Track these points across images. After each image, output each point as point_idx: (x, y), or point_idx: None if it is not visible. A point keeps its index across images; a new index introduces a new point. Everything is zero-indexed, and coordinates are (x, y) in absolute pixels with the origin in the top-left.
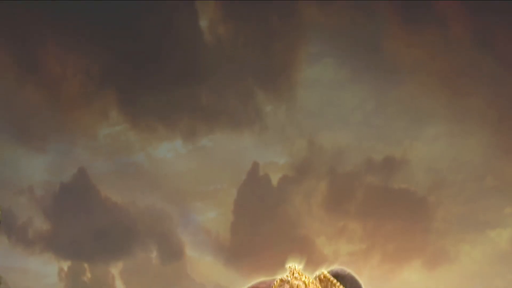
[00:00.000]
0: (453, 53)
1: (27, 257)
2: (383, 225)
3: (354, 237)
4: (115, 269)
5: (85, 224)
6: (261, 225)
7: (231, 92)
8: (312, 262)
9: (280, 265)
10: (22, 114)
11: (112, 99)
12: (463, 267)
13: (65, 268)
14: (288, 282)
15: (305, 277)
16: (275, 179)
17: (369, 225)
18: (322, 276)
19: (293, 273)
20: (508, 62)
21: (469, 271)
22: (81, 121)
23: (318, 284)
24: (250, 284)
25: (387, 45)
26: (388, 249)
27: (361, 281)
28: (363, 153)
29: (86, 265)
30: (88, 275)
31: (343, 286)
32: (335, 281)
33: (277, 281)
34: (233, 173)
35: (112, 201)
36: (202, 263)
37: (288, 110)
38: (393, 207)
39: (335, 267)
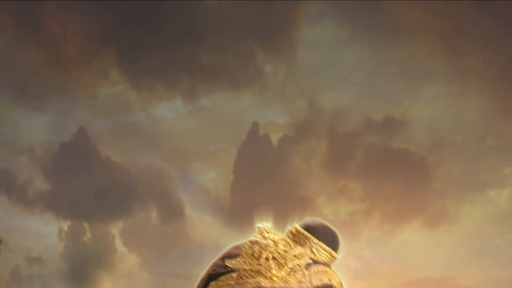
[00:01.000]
0: (453, 12)
1: (27, 217)
2: (383, 185)
3: (354, 197)
4: (115, 229)
5: (85, 184)
6: (261, 185)
7: (231, 52)
8: None
9: (280, 224)
10: (22, 74)
11: (112, 59)
12: (463, 227)
13: (65, 228)
14: (257, 242)
15: (274, 235)
16: (275, 139)
17: (369, 185)
18: (294, 230)
19: (262, 232)
20: (508, 21)
21: (468, 231)
22: (81, 80)
23: (288, 240)
24: (223, 251)
25: (387, 5)
26: (388, 209)
27: (334, 228)
28: (363, 113)
29: (86, 225)
30: (88, 234)
31: (315, 237)
32: (306, 233)
33: (247, 243)
34: (233, 133)
35: (112, 160)
36: (202, 223)
37: (288, 70)
38: (393, 167)
39: (306, 219)
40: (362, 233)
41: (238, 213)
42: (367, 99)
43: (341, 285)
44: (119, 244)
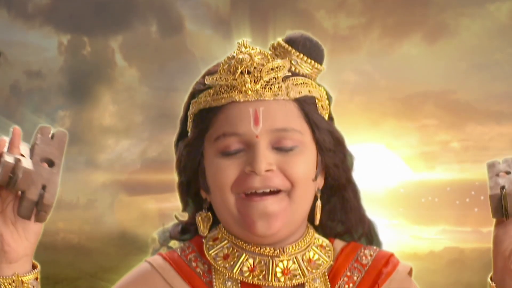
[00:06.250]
0: None
1: (27, 31)
2: None
3: (353, 10)
4: (115, 43)
5: None
6: None
7: None
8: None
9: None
10: None
11: None
12: (463, 41)
13: (65, 42)
14: (233, 57)
15: (252, 49)
16: None
17: None
18: (275, 44)
19: (240, 47)
20: None
21: (468, 45)
22: None
23: (266, 53)
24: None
25: None
26: (388, 22)
27: (315, 39)
28: None
29: (86, 39)
30: (88, 48)
31: (296, 49)
32: (285, 45)
33: (224, 59)
34: None
35: None
36: (202, 37)
37: None
38: None
39: (288, 32)
40: (362, 47)
41: (238, 27)
42: None
43: (328, 97)
44: (118, 58)
